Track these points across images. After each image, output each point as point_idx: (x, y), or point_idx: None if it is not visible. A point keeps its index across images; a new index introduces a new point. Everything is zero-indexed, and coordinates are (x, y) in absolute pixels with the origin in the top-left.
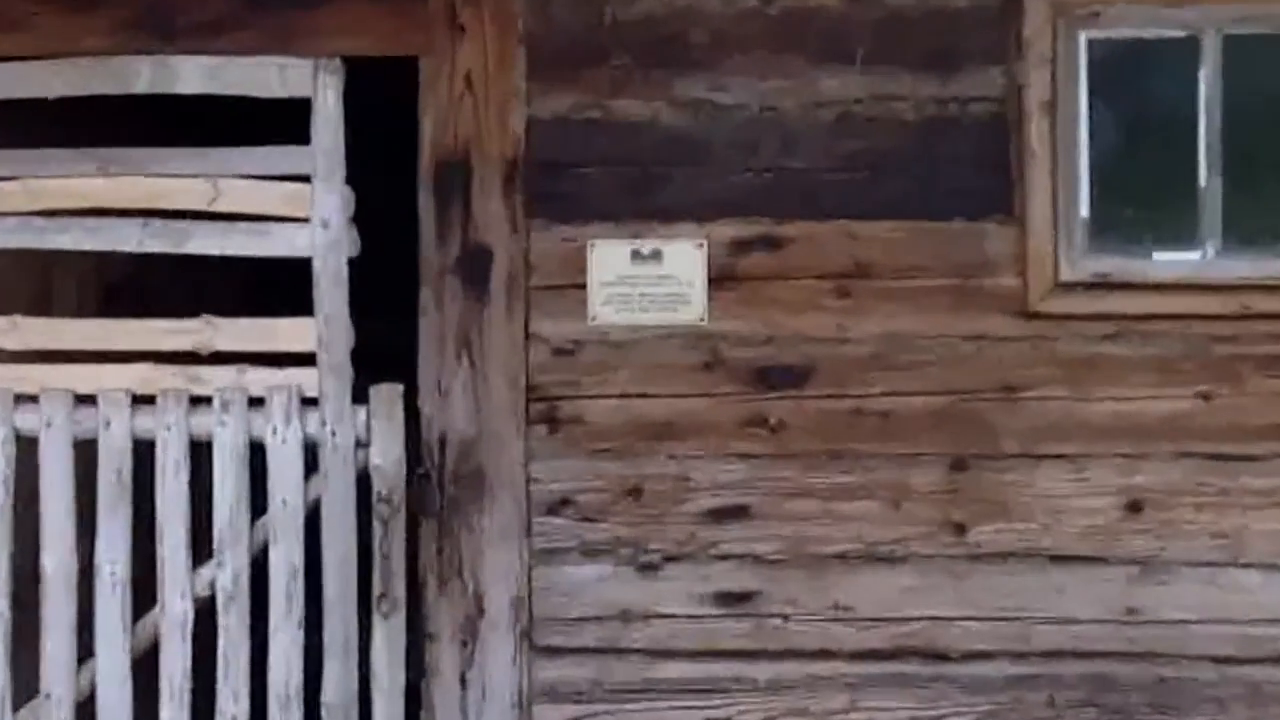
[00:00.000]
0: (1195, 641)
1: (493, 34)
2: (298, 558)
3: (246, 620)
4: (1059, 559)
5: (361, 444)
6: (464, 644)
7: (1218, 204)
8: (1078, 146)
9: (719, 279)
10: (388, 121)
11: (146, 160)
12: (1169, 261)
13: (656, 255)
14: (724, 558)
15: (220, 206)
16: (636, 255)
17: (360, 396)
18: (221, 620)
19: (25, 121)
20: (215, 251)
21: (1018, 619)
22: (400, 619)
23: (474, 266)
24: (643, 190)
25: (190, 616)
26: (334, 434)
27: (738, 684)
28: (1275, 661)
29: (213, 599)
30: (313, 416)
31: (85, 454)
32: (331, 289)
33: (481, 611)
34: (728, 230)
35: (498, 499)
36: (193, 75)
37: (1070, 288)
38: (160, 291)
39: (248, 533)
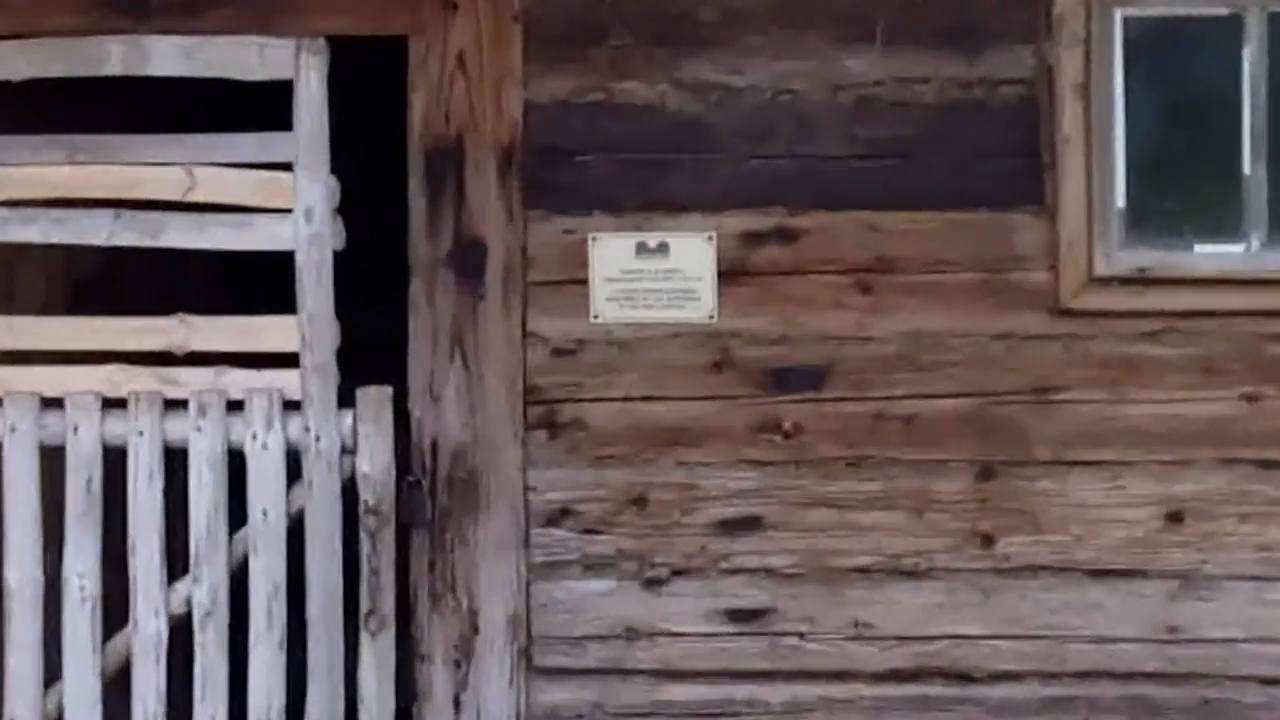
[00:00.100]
0: (1240, 661)
1: (487, 11)
2: (279, 572)
3: (225, 639)
4: (1094, 573)
5: (347, 450)
6: (457, 664)
7: (1263, 193)
8: (1113, 132)
9: (730, 274)
10: (375, 105)
11: (118, 147)
12: (1211, 254)
13: (663, 248)
14: (736, 572)
15: (197, 197)
16: (641, 248)
17: (346, 399)
18: (198, 639)
19: None
20: (191, 245)
21: (1050, 637)
22: (389, 637)
23: (468, 260)
24: (648, 179)
25: (165, 635)
26: (318, 440)
27: (750, 708)
28: None
29: (188, 616)
30: (295, 421)
31: (52, 461)
32: (315, 285)
33: (476, 629)
34: (739, 222)
35: (494, 509)
36: (167, 56)
37: (1106, 283)
38: (132, 288)
39: (226, 545)
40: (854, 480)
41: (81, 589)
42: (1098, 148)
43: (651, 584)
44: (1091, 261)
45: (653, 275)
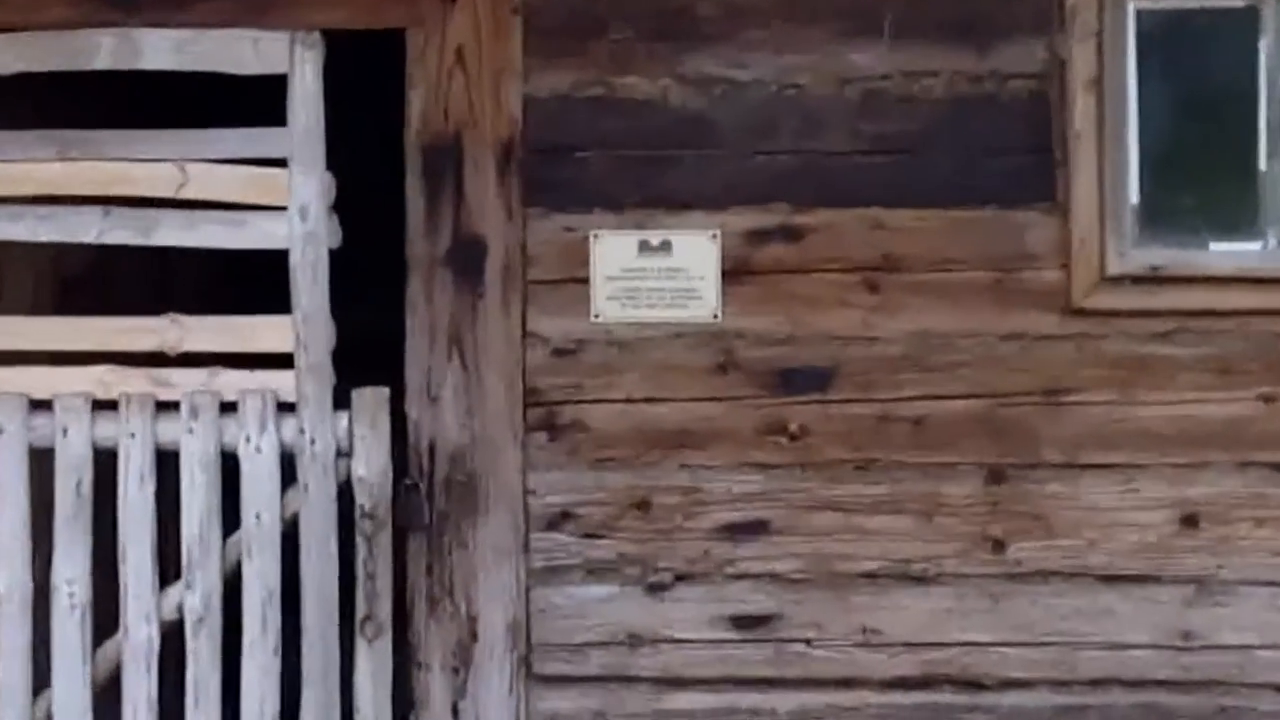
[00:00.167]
0: (1256, 668)
1: (486, 4)
2: (274, 577)
3: (218, 646)
4: (1107, 578)
5: (343, 453)
6: (455, 671)
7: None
8: (1126, 127)
9: (734, 272)
10: (371, 100)
11: (108, 143)
12: (1227, 252)
13: (665, 246)
14: (740, 577)
15: (189, 193)
16: (644, 246)
17: (342, 401)
18: (190, 646)
19: None
20: (183, 243)
21: (1061, 644)
22: (386, 644)
23: (466, 258)
24: (650, 175)
25: (156, 642)
26: (313, 442)
27: (756, 716)
28: None
29: (181, 623)
30: (290, 423)
31: (41, 464)
32: (310, 284)
33: (475, 636)
34: (743, 219)
35: (493, 513)
36: (159, 50)
37: (1118, 281)
38: (123, 287)
39: (219, 550)
40: (861, 483)
41: (71, 595)
42: (1110, 143)
43: (654, 589)
44: (1104, 260)
45: (655, 274)
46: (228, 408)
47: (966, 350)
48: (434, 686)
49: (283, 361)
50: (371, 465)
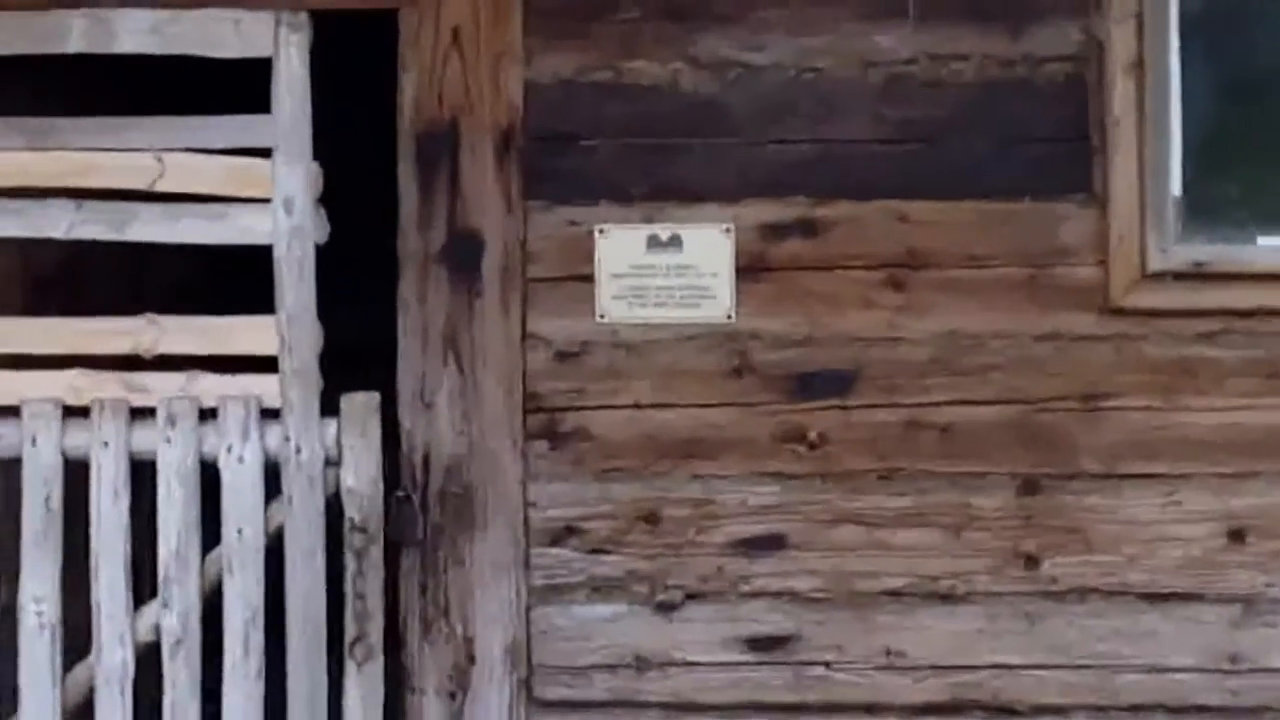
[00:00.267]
0: None
1: None
2: (256, 596)
3: (197, 669)
4: (1148, 597)
5: (331, 463)
6: (452, 696)
7: None
8: (1168, 113)
9: (749, 269)
10: (362, 86)
11: (80, 131)
12: (1276, 247)
13: (675, 242)
14: (756, 595)
15: (166, 186)
16: (652, 242)
17: (330, 407)
18: (167, 670)
19: None
20: (159, 238)
21: (1100, 667)
22: (377, 667)
23: (462, 254)
24: (659, 166)
25: (131, 665)
26: (299, 451)
27: None
28: None
29: (157, 645)
30: (274, 431)
31: (8, 475)
32: (296, 282)
33: (472, 659)
34: (759, 212)
35: (491, 527)
36: (134, 32)
37: (1160, 278)
38: (97, 285)
39: (198, 567)
40: (885, 495)
41: (40, 615)
42: (1151, 130)
43: (663, 609)
44: (1145, 255)
45: (664, 271)
46: (207, 415)
47: (998, 352)
48: (428, 713)
49: (266, 365)
50: (361, 476)
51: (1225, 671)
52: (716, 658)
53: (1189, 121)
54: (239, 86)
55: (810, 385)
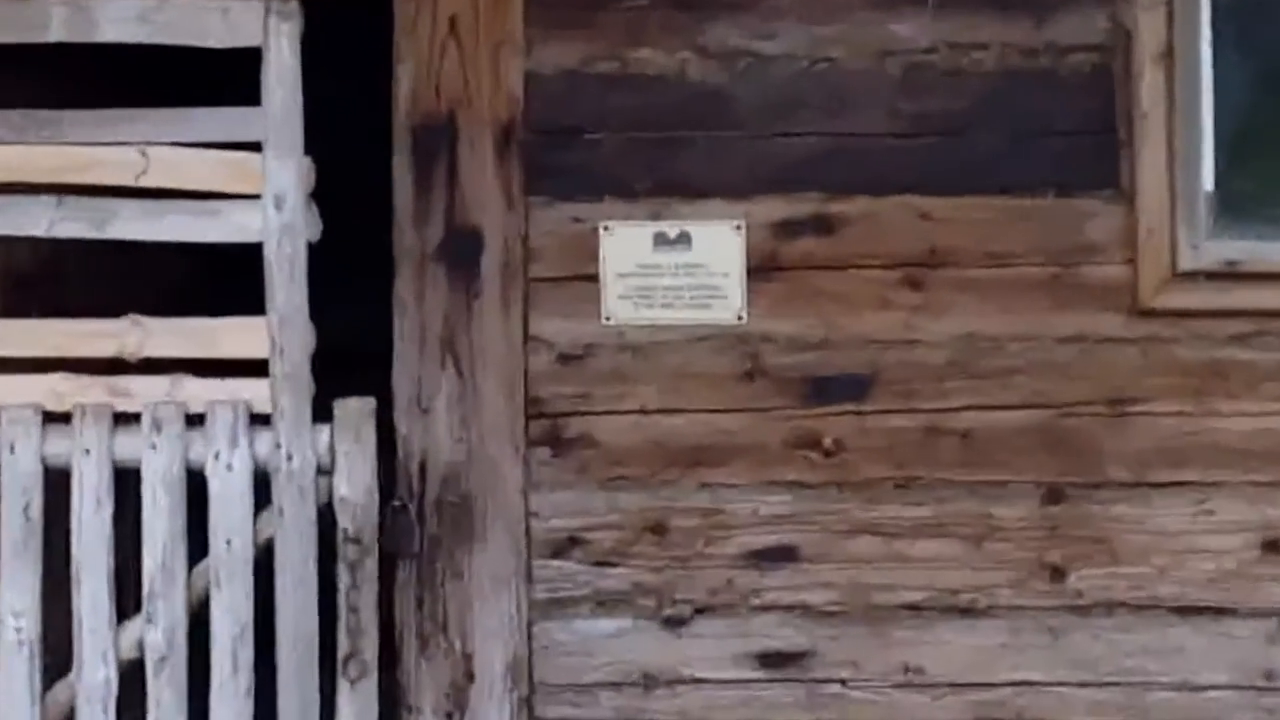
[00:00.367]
0: None
1: None
2: (245, 611)
3: (183, 687)
4: (1179, 611)
5: (324, 471)
6: (449, 716)
7: None
8: (1199, 104)
9: (760, 269)
10: (355, 77)
11: (60, 124)
12: None
13: (684, 239)
14: (768, 609)
15: (151, 181)
16: (659, 239)
17: (322, 413)
18: (152, 688)
19: None
20: (144, 236)
21: (1128, 684)
22: (371, 685)
23: (461, 253)
24: (667, 160)
25: (114, 683)
26: (290, 459)
27: None
28: None
29: (141, 662)
30: (264, 438)
31: None
32: (287, 281)
33: (471, 676)
34: (770, 209)
35: (491, 538)
36: (116, 21)
37: (1191, 278)
38: (79, 285)
39: (185, 580)
40: (902, 504)
41: (18, 630)
42: (1181, 122)
43: (671, 623)
44: (1174, 253)
45: (672, 270)
46: (194, 420)
47: (1020, 355)
48: None
49: (256, 369)
50: (355, 485)
51: (1260, 689)
52: (726, 675)
53: (1221, 113)
54: (228, 78)
55: (824, 390)
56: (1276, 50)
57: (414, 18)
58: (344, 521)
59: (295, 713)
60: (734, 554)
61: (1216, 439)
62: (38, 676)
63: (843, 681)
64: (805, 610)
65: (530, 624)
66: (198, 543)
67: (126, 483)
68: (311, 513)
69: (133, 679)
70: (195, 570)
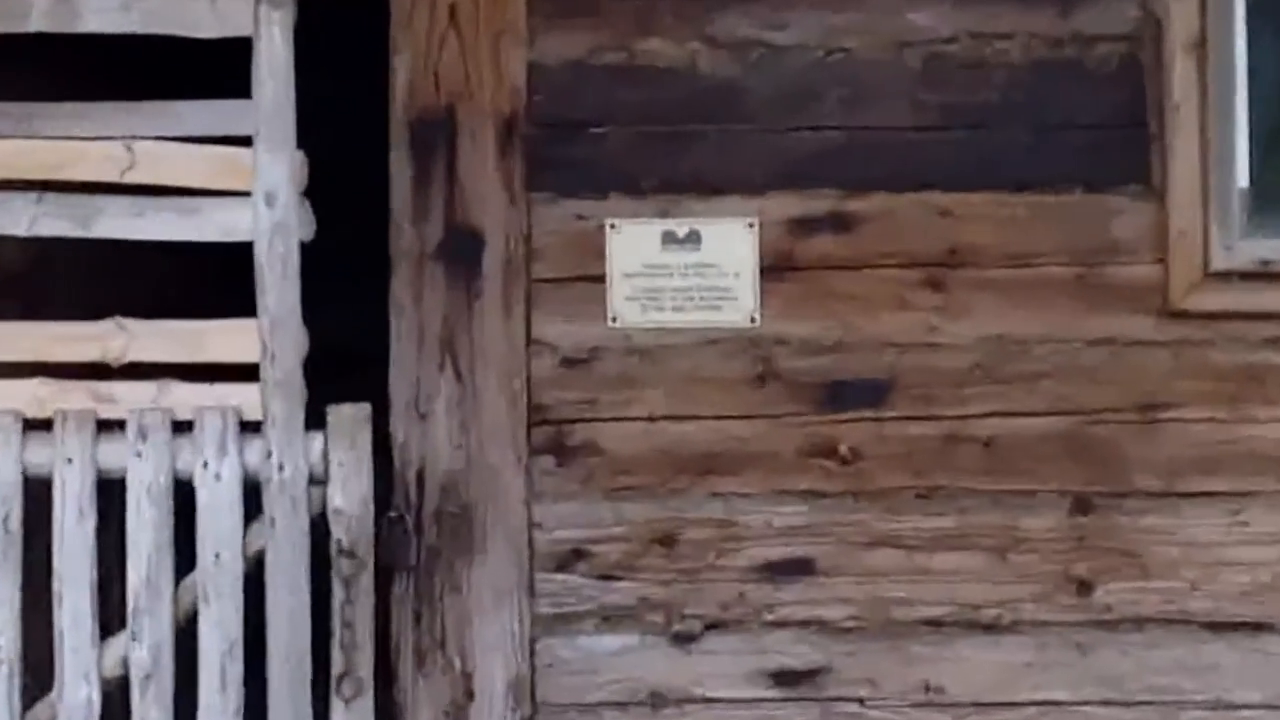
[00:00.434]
0: None
1: None
2: (235, 626)
3: (169, 707)
4: (1212, 626)
5: (317, 480)
6: None
7: None
8: (1233, 97)
9: (774, 269)
10: (350, 68)
11: (42, 118)
12: None
13: (694, 238)
14: (782, 625)
15: (136, 177)
16: (668, 238)
17: (315, 420)
18: (136, 707)
19: None
20: (129, 234)
21: (1159, 703)
22: (366, 705)
23: (461, 251)
24: (676, 155)
25: (97, 703)
26: (281, 468)
27: None
28: None
29: (125, 680)
30: (255, 446)
31: None
32: (279, 282)
33: (470, 695)
34: (785, 206)
35: (491, 550)
36: (100, 10)
37: (1224, 278)
38: (62, 287)
39: (171, 595)
40: (922, 515)
41: None
42: (1214, 116)
43: (680, 640)
44: (1207, 252)
45: (681, 270)
46: (181, 428)
47: (1046, 359)
48: None
49: (246, 374)
50: (350, 495)
51: None
52: (739, 693)
53: (1256, 105)
54: (217, 70)
55: (841, 395)
56: None
57: (411, 7)
58: (338, 533)
59: None
60: (746, 567)
61: (1251, 446)
62: (17, 696)
63: (860, 701)
64: (821, 626)
65: (533, 640)
66: (185, 556)
67: (110, 493)
68: (304, 524)
69: (117, 698)
70: (182, 584)
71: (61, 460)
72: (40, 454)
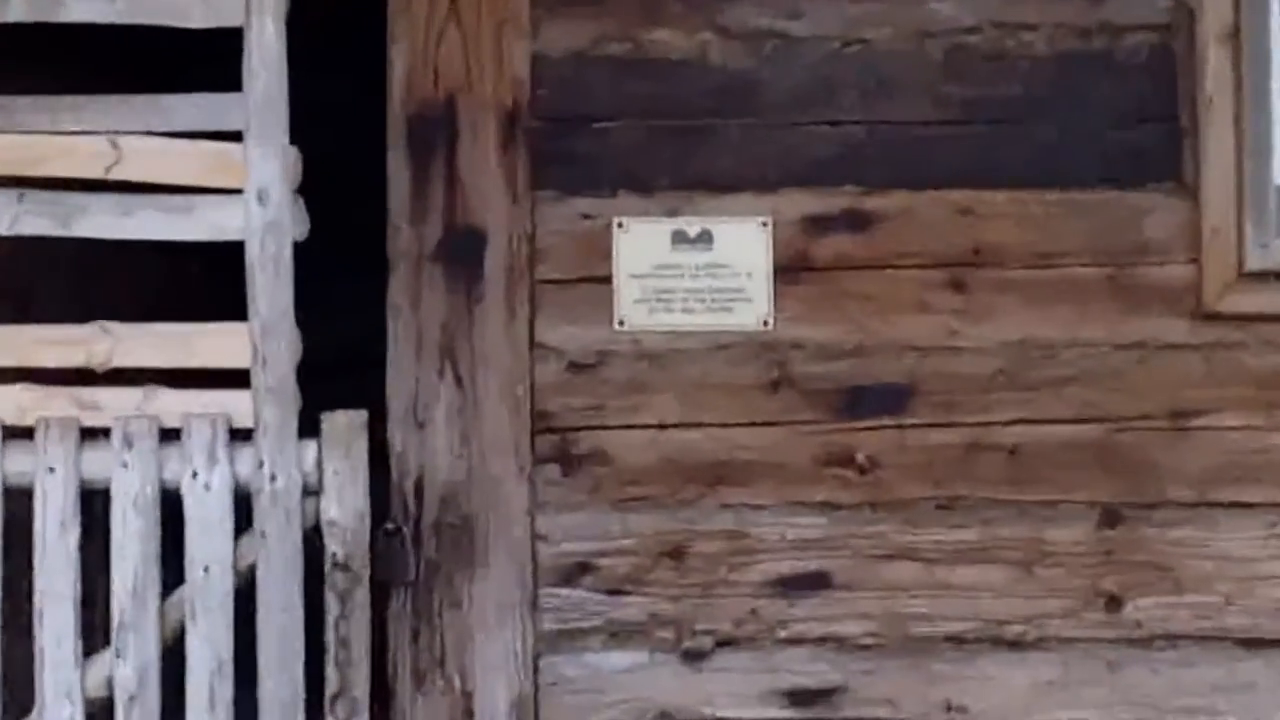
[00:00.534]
0: None
1: None
2: (225, 644)
3: None
4: (1247, 643)
5: (311, 491)
6: None
7: None
8: (1269, 90)
9: (789, 269)
10: (346, 61)
11: (23, 112)
12: None
13: (705, 238)
14: (796, 642)
15: (121, 174)
16: (678, 238)
17: (309, 428)
18: None
19: None
20: (114, 234)
21: None
22: None
23: (461, 252)
24: (686, 151)
25: None
26: (274, 478)
27: None
28: None
29: (110, 700)
30: (246, 455)
31: None
32: (271, 284)
33: (471, 715)
34: (800, 203)
35: (493, 564)
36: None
37: (1260, 279)
38: (45, 289)
39: (158, 611)
40: (944, 527)
41: None
42: (1250, 109)
43: (691, 657)
44: (1242, 252)
45: (692, 271)
46: (169, 436)
47: (1073, 364)
48: None
49: (237, 379)
50: (345, 506)
51: None
52: (751, 714)
53: None
54: (206, 62)
55: (859, 401)
56: None
57: None
58: (333, 546)
59: None
60: (759, 581)
61: None
62: None
63: None
64: (837, 643)
65: (536, 658)
66: (172, 570)
67: (95, 504)
68: (297, 537)
69: (101, 718)
70: (169, 600)
71: (43, 470)
72: (21, 463)
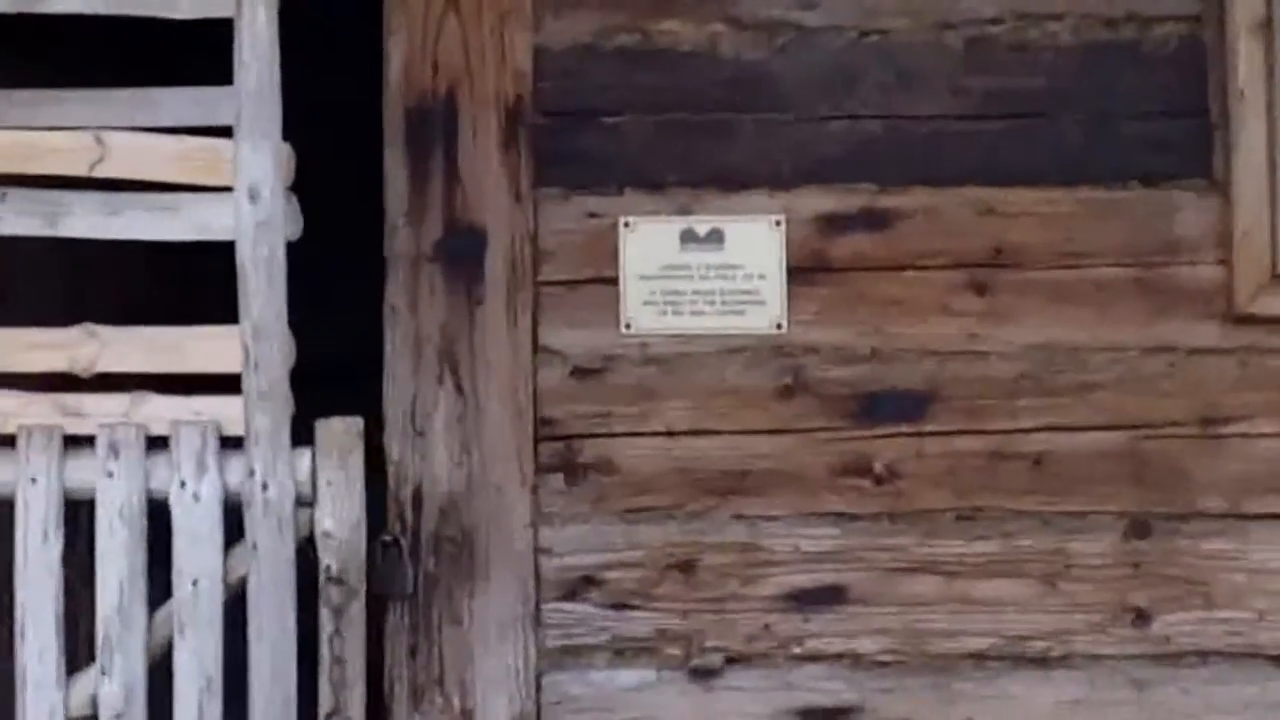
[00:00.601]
0: None
1: None
2: (214, 661)
3: None
4: None
5: (304, 502)
6: None
7: None
8: None
9: (803, 270)
10: (341, 53)
11: (5, 106)
12: None
13: (716, 237)
14: (811, 659)
15: (107, 171)
16: (688, 237)
17: (303, 436)
18: None
19: None
20: (99, 233)
21: None
22: None
23: (461, 253)
24: (696, 147)
25: None
26: (266, 488)
27: None
28: None
29: (95, 719)
30: (236, 464)
31: None
32: (263, 285)
33: None
34: (815, 201)
35: (494, 578)
36: None
37: None
38: (28, 291)
39: (145, 626)
40: (965, 539)
41: None
42: None
43: (700, 675)
44: (1275, 252)
45: (702, 272)
46: (156, 444)
47: (1100, 368)
48: None
49: (227, 385)
50: (340, 517)
51: None
52: None
53: None
54: (195, 55)
55: (876, 408)
56: None
57: None
58: (327, 559)
59: None
60: (772, 595)
61: None
62: None
63: None
64: (854, 660)
65: (539, 675)
66: (160, 583)
67: (79, 515)
68: (290, 549)
69: None
70: (157, 615)
71: (25, 479)
72: (2, 472)
